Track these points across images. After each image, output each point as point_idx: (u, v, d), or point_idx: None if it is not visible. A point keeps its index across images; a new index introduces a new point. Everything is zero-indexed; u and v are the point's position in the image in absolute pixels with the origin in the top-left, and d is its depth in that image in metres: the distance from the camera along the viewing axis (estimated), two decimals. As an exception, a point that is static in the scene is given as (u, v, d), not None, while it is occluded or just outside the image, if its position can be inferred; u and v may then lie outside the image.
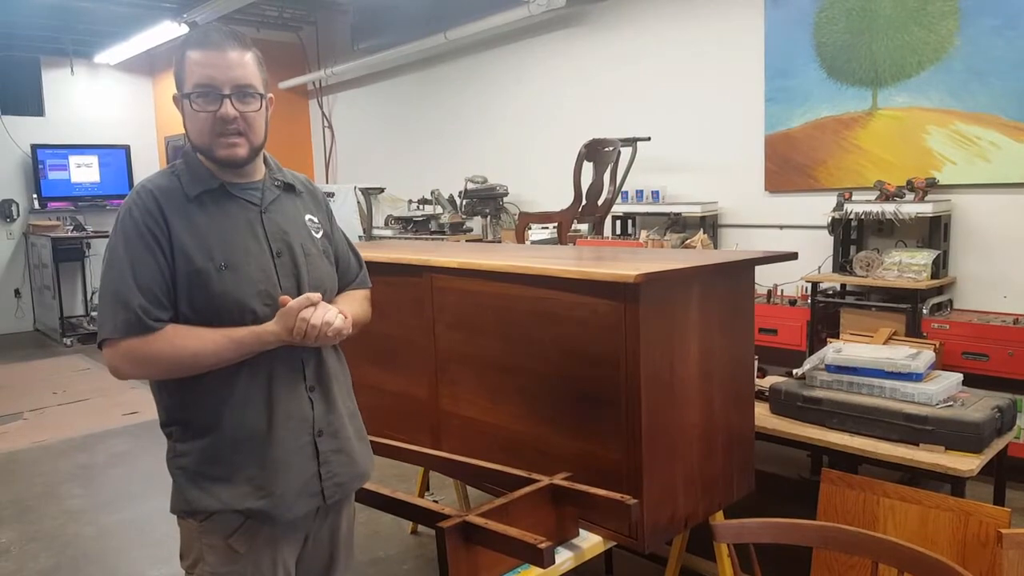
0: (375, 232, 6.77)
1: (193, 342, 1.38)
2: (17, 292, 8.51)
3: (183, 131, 1.49)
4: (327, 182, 8.43)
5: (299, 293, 1.49)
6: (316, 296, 1.43)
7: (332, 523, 1.61)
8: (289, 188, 1.58)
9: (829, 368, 2.52)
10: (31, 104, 8.42)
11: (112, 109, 8.96)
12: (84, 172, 8.66)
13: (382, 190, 7.01)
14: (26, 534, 3.44)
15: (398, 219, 6.59)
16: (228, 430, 1.44)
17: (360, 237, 6.65)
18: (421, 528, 3.28)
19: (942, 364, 3.35)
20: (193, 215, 1.43)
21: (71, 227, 8.21)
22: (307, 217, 1.59)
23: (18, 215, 8.42)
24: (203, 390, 1.43)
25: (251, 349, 1.41)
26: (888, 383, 2.38)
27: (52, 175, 8.45)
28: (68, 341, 7.64)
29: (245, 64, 1.42)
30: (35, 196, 8.39)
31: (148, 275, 1.38)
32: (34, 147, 8.31)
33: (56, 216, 8.42)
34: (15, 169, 8.37)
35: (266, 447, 1.45)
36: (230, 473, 1.44)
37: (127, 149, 8.88)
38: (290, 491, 1.47)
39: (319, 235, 1.60)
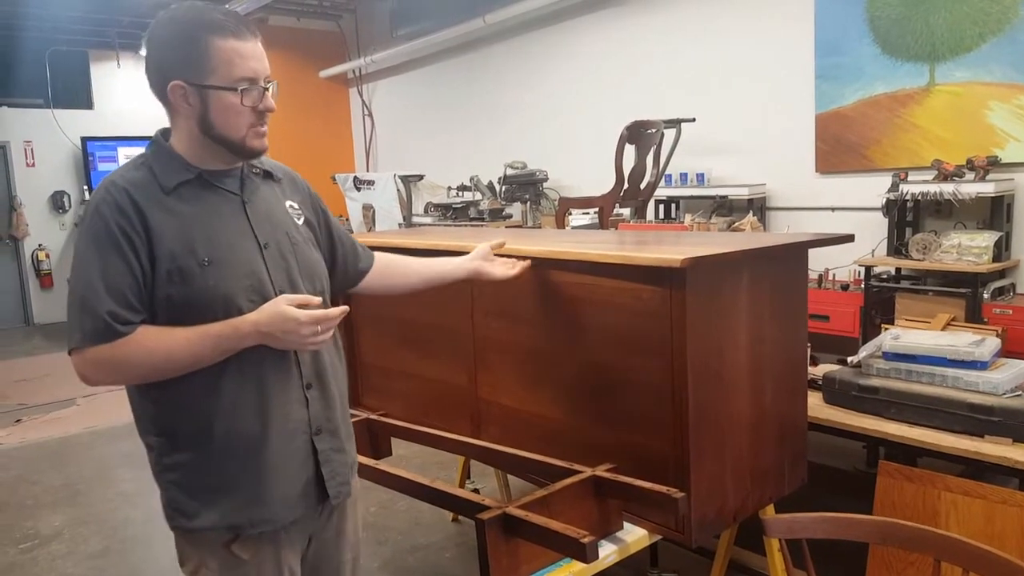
0: (415, 219, 6.77)
1: (166, 342, 1.28)
2: (69, 282, 8.71)
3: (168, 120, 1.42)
4: (367, 170, 8.46)
5: (291, 285, 1.40)
6: (316, 300, 1.33)
7: (337, 523, 1.54)
8: (267, 175, 1.50)
9: (887, 356, 2.41)
10: (80, 97, 8.62)
11: (157, 102, 9.09)
12: (132, 163, 8.84)
13: (421, 177, 7.01)
14: (78, 517, 3.52)
15: (437, 206, 6.57)
16: (218, 440, 1.34)
17: (400, 224, 6.65)
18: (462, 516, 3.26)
19: (1004, 351, 3.18)
20: (172, 209, 1.33)
21: (120, 218, 8.36)
22: (287, 203, 1.49)
23: (70, 206, 8.64)
24: (188, 398, 1.33)
25: (230, 344, 1.30)
26: (951, 371, 2.26)
27: (102, 167, 8.62)
28: (119, 329, 7.81)
29: (266, 55, 1.39)
30: (86, 187, 8.58)
31: (118, 277, 1.29)
32: (84, 139, 8.50)
33: (106, 207, 8.61)
34: (66, 161, 8.58)
35: (261, 453, 1.36)
36: (224, 483, 1.35)
37: (172, 140, 9.02)
38: (290, 495, 1.40)
39: (301, 221, 1.50)
